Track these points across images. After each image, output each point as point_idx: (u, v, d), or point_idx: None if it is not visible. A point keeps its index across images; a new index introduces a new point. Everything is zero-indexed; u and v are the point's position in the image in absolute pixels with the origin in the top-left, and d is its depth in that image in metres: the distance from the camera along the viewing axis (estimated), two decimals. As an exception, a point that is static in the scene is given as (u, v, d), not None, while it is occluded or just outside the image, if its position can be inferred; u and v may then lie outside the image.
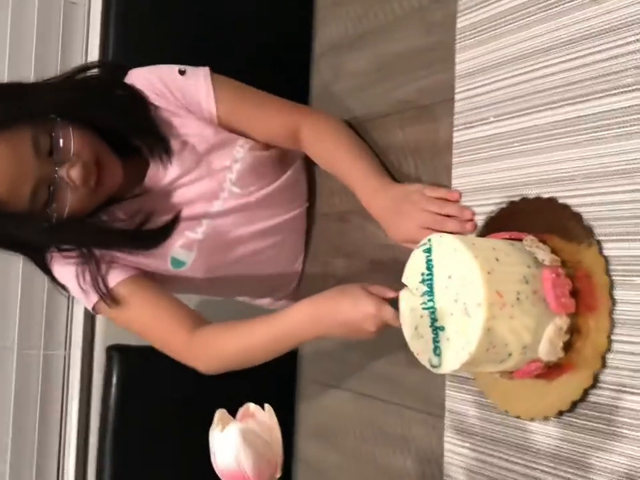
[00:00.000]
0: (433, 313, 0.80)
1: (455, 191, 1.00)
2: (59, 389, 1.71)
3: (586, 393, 0.78)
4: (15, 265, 1.66)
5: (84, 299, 1.17)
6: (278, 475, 0.66)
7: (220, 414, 0.66)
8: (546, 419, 0.83)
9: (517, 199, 0.89)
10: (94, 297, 1.15)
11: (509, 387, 0.86)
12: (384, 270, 1.16)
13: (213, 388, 1.23)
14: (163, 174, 1.19)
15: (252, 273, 1.31)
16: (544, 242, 0.84)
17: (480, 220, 0.96)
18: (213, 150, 1.21)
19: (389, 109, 1.17)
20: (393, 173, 1.14)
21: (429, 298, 0.81)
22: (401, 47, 1.16)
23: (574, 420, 0.80)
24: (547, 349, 0.79)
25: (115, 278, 1.15)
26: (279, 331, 1.05)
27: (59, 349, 1.75)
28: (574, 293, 0.79)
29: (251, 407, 0.68)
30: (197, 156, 1.20)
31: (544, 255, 0.81)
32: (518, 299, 0.76)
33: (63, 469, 1.74)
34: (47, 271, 1.17)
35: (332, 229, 1.30)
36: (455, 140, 1.01)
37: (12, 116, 1.04)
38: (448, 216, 0.99)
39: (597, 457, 0.77)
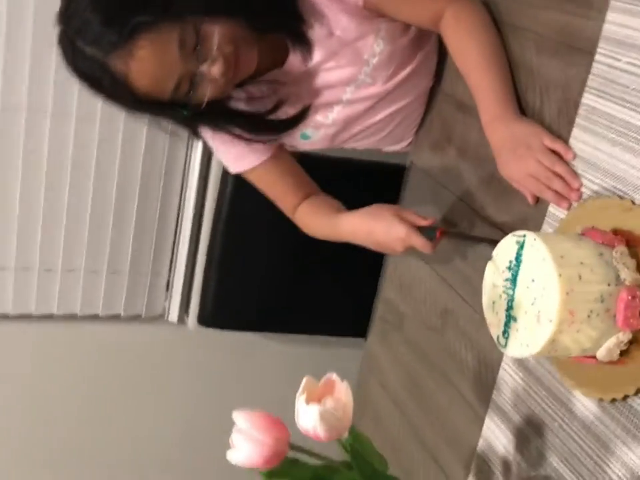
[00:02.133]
0: (511, 301, 0.89)
1: (571, 150, 1.01)
2: (179, 177, 1.89)
3: (626, 396, 0.89)
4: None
5: (230, 165, 1.35)
6: (344, 436, 0.83)
7: (307, 381, 0.81)
8: (586, 395, 0.95)
9: (624, 195, 0.92)
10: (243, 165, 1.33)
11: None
12: (479, 181, 1.22)
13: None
14: (303, 59, 1.23)
15: (368, 142, 1.40)
16: (637, 249, 0.88)
17: (584, 193, 0.99)
18: (354, 41, 1.22)
19: (529, 25, 1.12)
20: (518, 92, 1.13)
21: (510, 286, 0.89)
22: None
23: (611, 411, 0.92)
24: (604, 354, 0.88)
25: (256, 158, 1.31)
26: (339, 232, 1.27)
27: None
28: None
29: (333, 377, 0.82)
30: (339, 45, 1.22)
31: (626, 274, 0.86)
32: (589, 316, 0.84)
33: (178, 245, 1.97)
34: (199, 137, 1.32)
35: (450, 113, 1.32)
36: (583, 100, 1.00)
37: (162, 16, 1.04)
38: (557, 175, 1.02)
39: (620, 447, 0.90)
